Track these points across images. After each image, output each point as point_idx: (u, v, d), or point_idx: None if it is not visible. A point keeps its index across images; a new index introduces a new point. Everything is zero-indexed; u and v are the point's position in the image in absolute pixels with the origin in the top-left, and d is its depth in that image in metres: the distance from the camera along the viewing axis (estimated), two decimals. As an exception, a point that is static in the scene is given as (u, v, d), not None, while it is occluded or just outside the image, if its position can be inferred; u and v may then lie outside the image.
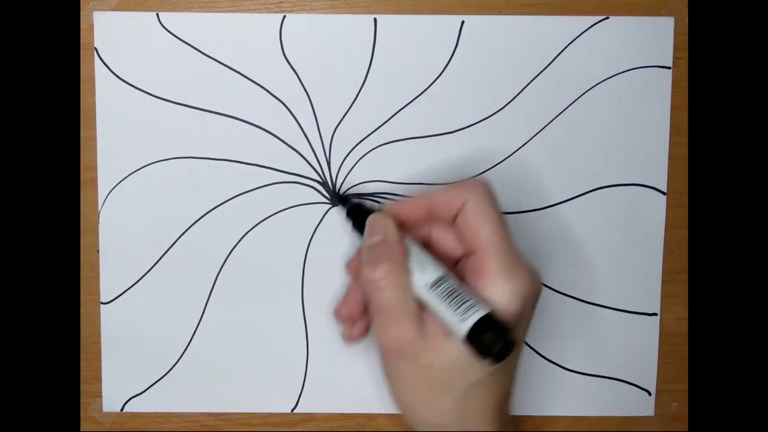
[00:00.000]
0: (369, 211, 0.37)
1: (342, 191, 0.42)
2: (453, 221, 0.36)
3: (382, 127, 0.42)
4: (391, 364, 0.35)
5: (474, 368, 0.34)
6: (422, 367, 0.34)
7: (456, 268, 0.36)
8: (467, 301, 0.33)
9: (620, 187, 0.43)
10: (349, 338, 0.38)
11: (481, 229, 0.34)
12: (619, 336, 0.42)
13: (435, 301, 0.34)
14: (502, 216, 0.35)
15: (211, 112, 0.42)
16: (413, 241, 0.36)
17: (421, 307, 0.34)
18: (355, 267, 0.38)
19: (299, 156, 0.42)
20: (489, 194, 0.35)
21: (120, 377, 0.43)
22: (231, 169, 0.42)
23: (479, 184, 0.35)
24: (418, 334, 0.34)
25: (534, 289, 0.34)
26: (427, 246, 0.37)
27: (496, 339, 0.32)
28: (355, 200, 0.41)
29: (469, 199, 0.35)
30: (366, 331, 0.38)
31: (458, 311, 0.33)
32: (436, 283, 0.34)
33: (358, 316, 0.38)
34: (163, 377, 0.43)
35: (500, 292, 0.33)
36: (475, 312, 0.32)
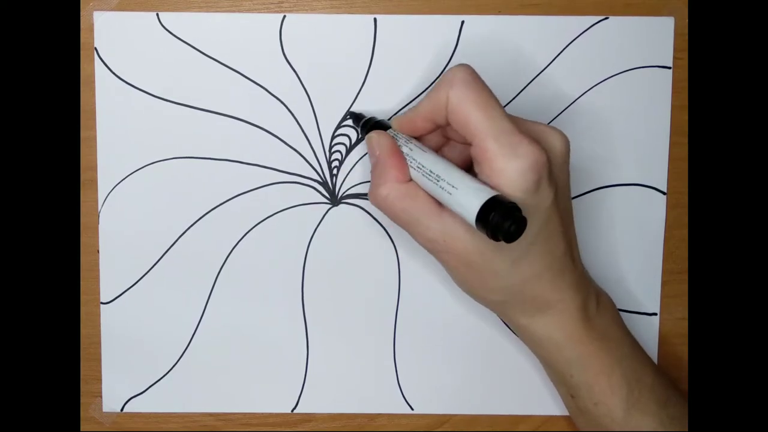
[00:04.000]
0: (373, 128, 0.38)
1: (342, 191, 0.42)
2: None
3: (382, 127, 0.42)
4: (436, 257, 0.36)
5: (508, 246, 0.34)
6: (458, 257, 0.35)
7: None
8: (471, 188, 0.32)
9: (620, 187, 0.43)
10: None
11: (469, 120, 0.33)
12: (619, 336, 0.42)
13: (444, 195, 0.34)
14: (487, 97, 0.34)
15: (211, 112, 0.42)
16: (417, 142, 0.36)
17: (441, 203, 0.35)
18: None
19: (299, 156, 0.42)
20: (468, 80, 0.34)
21: (120, 377, 0.43)
22: (231, 169, 0.42)
23: (457, 73, 0.34)
24: (442, 229, 0.34)
25: (541, 158, 0.33)
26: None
27: (503, 219, 0.31)
28: (367, 117, 0.40)
29: (449, 94, 0.34)
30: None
31: (463, 200, 0.32)
32: (440, 178, 0.34)
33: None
34: (163, 377, 0.43)
35: (507, 174, 0.33)
36: (478, 198, 0.32)
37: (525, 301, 0.36)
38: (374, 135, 0.37)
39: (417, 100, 0.41)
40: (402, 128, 0.37)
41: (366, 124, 0.39)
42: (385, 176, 0.36)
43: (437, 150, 0.38)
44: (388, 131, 0.37)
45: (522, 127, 0.34)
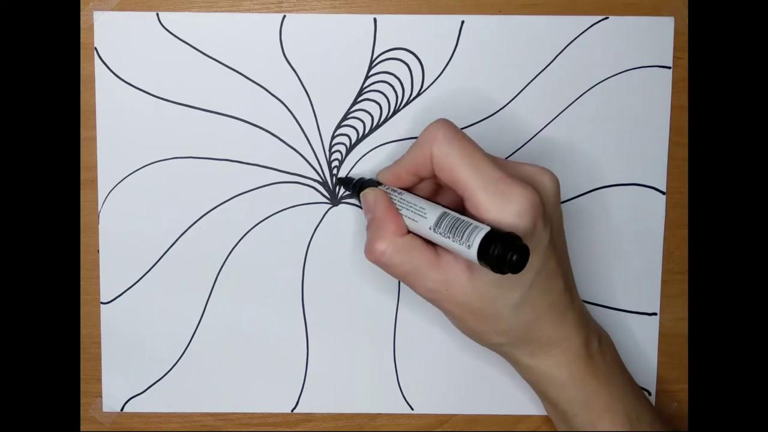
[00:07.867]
0: (364, 186, 0.38)
1: (342, 191, 0.42)
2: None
3: (381, 127, 0.42)
4: (436, 306, 0.36)
5: (510, 289, 0.34)
6: (460, 305, 0.35)
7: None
8: (469, 226, 0.33)
9: (620, 187, 0.43)
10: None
11: (456, 175, 0.34)
12: (618, 336, 0.42)
13: (443, 240, 0.34)
14: (471, 149, 0.34)
15: (211, 112, 0.42)
16: (409, 193, 0.37)
17: (439, 253, 0.35)
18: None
19: (299, 156, 0.42)
20: (450, 135, 0.34)
21: (120, 377, 0.43)
22: (231, 169, 0.42)
23: (439, 129, 0.35)
24: (441, 279, 0.35)
25: (535, 199, 0.33)
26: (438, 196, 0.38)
27: (505, 250, 0.31)
28: (357, 179, 0.41)
29: (432, 150, 0.34)
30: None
31: (463, 239, 0.33)
32: (438, 223, 0.34)
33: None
34: (163, 377, 0.43)
35: (503, 222, 0.33)
36: (477, 233, 0.32)
37: (529, 342, 0.36)
38: (369, 192, 0.37)
39: (415, 103, 0.41)
40: (388, 182, 0.38)
41: (356, 185, 0.40)
42: (383, 231, 0.36)
43: (431, 198, 0.38)
44: (379, 187, 0.38)
45: (511, 171, 0.34)
